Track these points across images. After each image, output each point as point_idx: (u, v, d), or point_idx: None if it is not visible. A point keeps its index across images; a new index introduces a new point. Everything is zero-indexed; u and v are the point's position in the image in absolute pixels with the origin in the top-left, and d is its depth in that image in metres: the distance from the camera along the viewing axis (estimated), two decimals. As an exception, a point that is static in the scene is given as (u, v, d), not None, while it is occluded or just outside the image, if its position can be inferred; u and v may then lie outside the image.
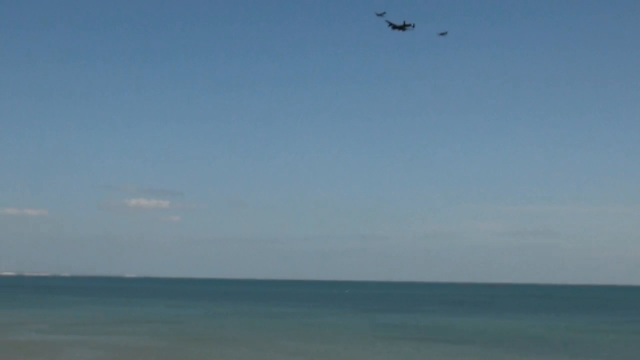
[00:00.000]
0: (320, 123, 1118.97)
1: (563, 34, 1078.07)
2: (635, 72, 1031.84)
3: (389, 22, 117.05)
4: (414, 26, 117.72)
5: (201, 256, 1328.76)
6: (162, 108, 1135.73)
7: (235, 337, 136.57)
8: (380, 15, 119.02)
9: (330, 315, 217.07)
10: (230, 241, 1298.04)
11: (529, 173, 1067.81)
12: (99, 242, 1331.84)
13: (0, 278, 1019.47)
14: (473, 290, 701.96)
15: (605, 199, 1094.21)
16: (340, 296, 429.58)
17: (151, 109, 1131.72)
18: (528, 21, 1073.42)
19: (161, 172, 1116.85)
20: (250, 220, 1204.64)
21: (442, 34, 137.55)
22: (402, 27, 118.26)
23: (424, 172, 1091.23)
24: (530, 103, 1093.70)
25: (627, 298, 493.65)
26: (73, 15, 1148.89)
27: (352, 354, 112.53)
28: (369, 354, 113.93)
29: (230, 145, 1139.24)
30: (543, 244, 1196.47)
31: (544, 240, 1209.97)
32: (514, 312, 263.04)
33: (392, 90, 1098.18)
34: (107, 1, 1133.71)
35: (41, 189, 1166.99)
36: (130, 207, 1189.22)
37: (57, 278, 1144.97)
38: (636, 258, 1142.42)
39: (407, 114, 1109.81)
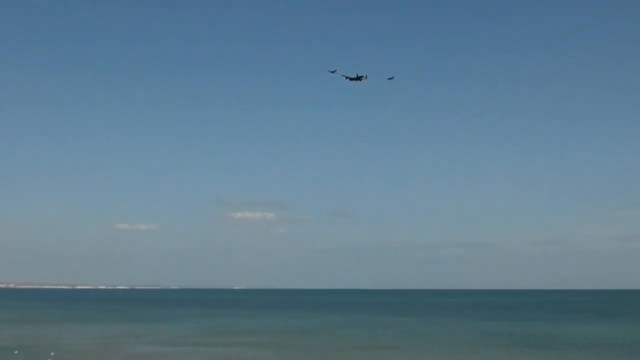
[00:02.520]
0: (424, 130, 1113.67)
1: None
2: None
3: (345, 75, 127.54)
4: (366, 77, 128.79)
5: (308, 267, 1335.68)
6: (266, 122, 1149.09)
7: (346, 347, 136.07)
8: (333, 72, 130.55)
9: (440, 325, 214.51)
10: (336, 251, 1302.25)
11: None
12: (207, 254, 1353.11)
13: (114, 292, 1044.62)
14: (584, 297, 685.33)
15: None
16: (449, 304, 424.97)
17: (255, 123, 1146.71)
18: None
19: (266, 185, 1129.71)
20: (355, 230, 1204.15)
21: (390, 78, 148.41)
22: (358, 79, 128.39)
23: (532, 179, 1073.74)
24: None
25: None
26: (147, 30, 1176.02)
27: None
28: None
29: (333, 156, 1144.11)
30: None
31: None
32: (629, 318, 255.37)
33: (491, 93, 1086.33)
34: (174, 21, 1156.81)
35: (151, 204, 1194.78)
36: (236, 220, 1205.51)
37: (166, 291, 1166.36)
38: None
39: (518, 118, 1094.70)
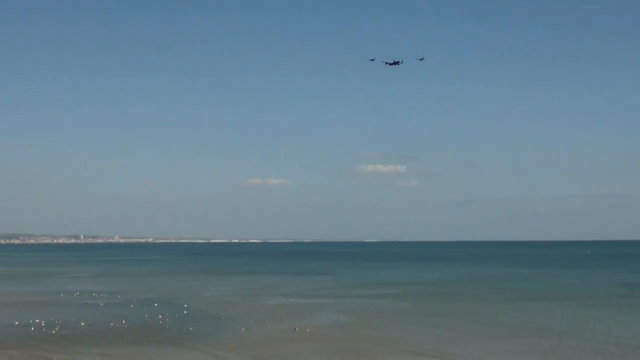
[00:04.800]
0: (560, 80, 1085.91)
1: None
2: None
3: (384, 62, 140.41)
4: (403, 62, 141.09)
5: (440, 219, 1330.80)
6: (398, 75, 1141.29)
7: (486, 299, 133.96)
8: (372, 60, 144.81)
9: (577, 276, 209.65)
10: (469, 203, 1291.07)
11: None
12: (338, 208, 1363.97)
13: (247, 245, 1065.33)
14: None
15: None
16: (584, 256, 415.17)
17: (388, 77, 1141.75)
18: None
19: (398, 137, 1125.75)
20: (488, 181, 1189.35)
21: (421, 59, 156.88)
22: (396, 63, 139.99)
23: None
24: None
25: None
26: None
27: (606, 317, 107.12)
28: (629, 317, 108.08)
29: (465, 108, 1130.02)
30: None
31: None
32: None
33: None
34: None
35: (283, 159, 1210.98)
36: (368, 173, 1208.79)
37: (299, 244, 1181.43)
38: None
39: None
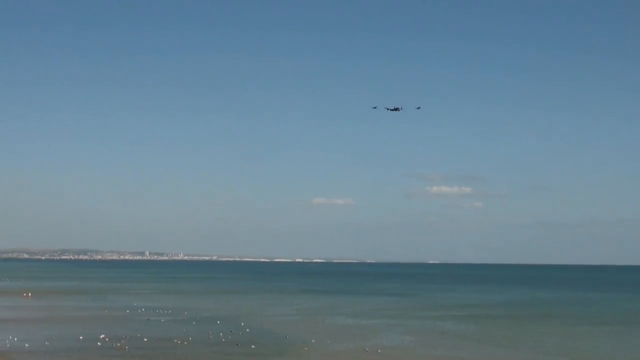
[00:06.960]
0: (620, 99, 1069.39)
1: None
2: None
3: (386, 107, 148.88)
4: (402, 108, 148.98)
5: (506, 242, 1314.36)
6: (465, 95, 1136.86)
7: (552, 323, 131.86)
8: (374, 108, 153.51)
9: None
10: (535, 226, 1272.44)
11: None
12: (402, 229, 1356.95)
13: (311, 265, 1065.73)
14: None
15: None
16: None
17: (455, 97, 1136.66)
18: None
19: (464, 159, 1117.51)
20: (555, 204, 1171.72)
21: (417, 108, 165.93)
22: (396, 109, 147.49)
23: None
24: None
25: None
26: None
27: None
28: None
29: (532, 127, 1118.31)
30: None
31: None
32: None
33: None
34: None
35: (348, 179, 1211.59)
36: (433, 194, 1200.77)
37: (363, 264, 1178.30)
38: None
39: None
